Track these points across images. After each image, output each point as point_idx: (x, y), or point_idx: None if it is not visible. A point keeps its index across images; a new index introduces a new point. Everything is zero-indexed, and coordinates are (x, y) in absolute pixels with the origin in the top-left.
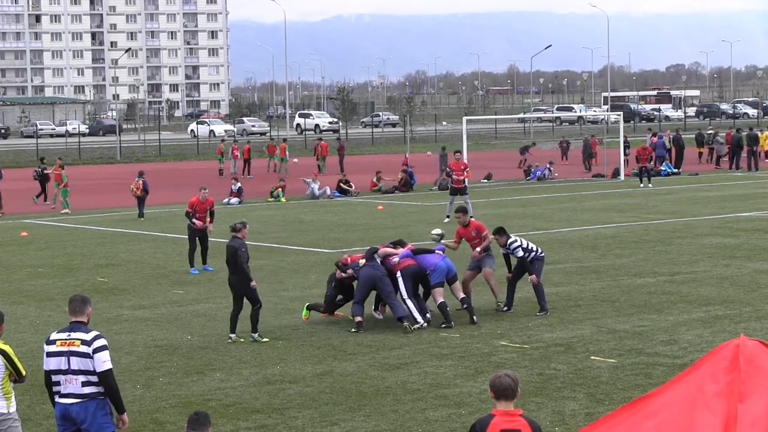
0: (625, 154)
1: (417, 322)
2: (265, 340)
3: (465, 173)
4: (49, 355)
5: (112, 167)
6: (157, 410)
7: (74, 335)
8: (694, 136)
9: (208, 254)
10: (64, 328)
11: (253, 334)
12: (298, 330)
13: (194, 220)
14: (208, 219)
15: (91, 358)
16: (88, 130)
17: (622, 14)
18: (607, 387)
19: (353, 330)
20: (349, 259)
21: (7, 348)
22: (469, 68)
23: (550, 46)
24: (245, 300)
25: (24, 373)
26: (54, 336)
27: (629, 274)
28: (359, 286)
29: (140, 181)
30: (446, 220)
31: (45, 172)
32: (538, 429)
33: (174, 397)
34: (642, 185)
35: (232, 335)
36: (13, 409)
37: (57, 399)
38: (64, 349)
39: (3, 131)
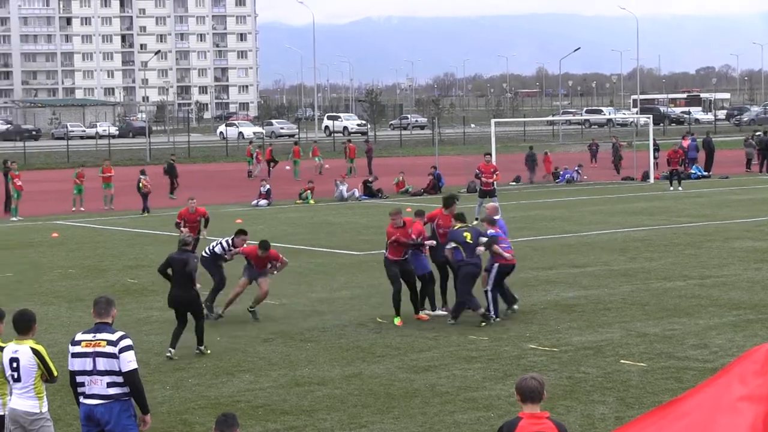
0: (654, 157)
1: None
2: (209, 351)
3: (494, 176)
4: (74, 355)
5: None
6: (186, 411)
7: (100, 336)
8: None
9: None
10: (89, 329)
11: (199, 347)
12: (327, 332)
13: (182, 229)
14: (203, 228)
15: (117, 358)
16: (117, 132)
17: (651, 16)
18: (637, 391)
19: (483, 324)
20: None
21: (40, 348)
22: (497, 70)
23: (579, 48)
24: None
25: (56, 373)
26: (79, 337)
27: (659, 277)
28: (469, 280)
29: (147, 178)
30: (475, 222)
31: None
32: (565, 431)
33: (203, 398)
34: (672, 188)
35: (172, 350)
36: (45, 409)
37: (81, 399)
38: (90, 350)
39: (34, 133)
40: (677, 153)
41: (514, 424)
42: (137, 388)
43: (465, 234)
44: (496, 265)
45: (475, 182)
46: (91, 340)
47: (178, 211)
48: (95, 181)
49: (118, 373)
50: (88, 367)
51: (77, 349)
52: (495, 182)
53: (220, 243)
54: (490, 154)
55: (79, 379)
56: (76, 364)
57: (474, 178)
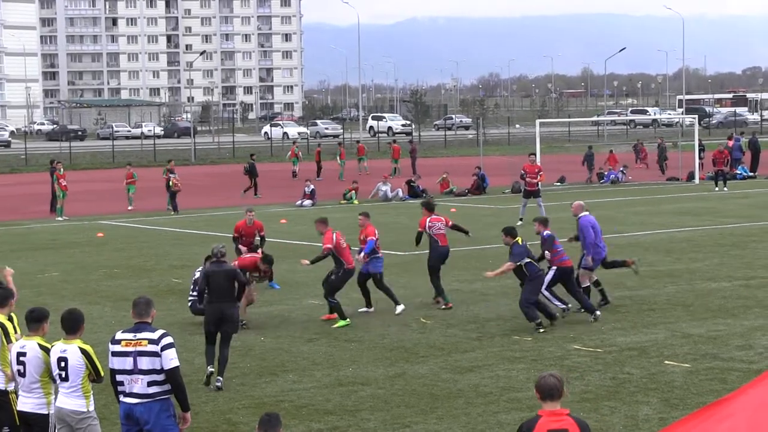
0: (700, 158)
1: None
2: (221, 388)
3: (539, 177)
4: (114, 354)
5: (186, 169)
6: (230, 411)
7: (140, 335)
8: None
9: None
10: (129, 328)
11: (220, 378)
12: (370, 332)
13: (240, 246)
14: (259, 248)
15: (159, 356)
16: (162, 132)
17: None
18: (681, 392)
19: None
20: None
21: (88, 347)
22: (542, 71)
23: (624, 48)
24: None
25: (102, 373)
26: (119, 336)
27: (704, 278)
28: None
29: (176, 177)
30: (519, 222)
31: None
32: (586, 428)
33: (247, 398)
34: (717, 189)
35: (210, 367)
36: (92, 408)
37: (121, 398)
38: (130, 349)
39: (80, 133)
40: (723, 153)
41: (533, 422)
42: (179, 386)
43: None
44: (554, 268)
45: (519, 182)
46: (132, 339)
47: (235, 225)
48: (148, 180)
49: (159, 371)
50: (129, 366)
51: (117, 348)
52: (540, 183)
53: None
54: (535, 155)
55: (119, 377)
56: (116, 363)
57: (519, 179)
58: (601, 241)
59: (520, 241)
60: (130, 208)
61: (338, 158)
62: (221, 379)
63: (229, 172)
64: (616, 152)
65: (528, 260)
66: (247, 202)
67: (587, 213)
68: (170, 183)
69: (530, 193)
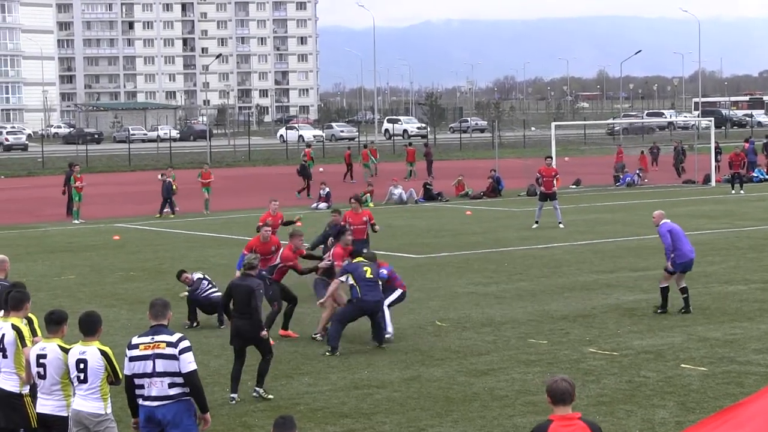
0: (716, 161)
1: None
2: (270, 396)
3: (555, 180)
4: (132, 359)
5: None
6: (245, 414)
7: (158, 338)
8: None
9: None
10: (146, 331)
11: (257, 389)
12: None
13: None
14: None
15: (177, 359)
16: (179, 135)
17: (714, 18)
18: (698, 395)
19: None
20: None
21: (107, 349)
22: (558, 73)
23: (640, 51)
24: (243, 350)
25: (121, 375)
26: (136, 340)
27: (720, 281)
28: None
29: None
30: (535, 226)
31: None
32: (598, 431)
33: (262, 400)
34: (734, 191)
35: (234, 395)
36: (109, 410)
37: (141, 402)
38: (149, 352)
39: (96, 136)
40: (739, 156)
41: (545, 427)
42: (198, 388)
43: None
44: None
45: (534, 186)
46: (150, 343)
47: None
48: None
49: (178, 374)
50: (148, 369)
51: (135, 352)
52: (556, 186)
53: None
54: (551, 158)
55: (138, 381)
56: (135, 368)
57: (534, 182)
58: (684, 245)
59: None
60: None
61: (363, 160)
62: (261, 391)
63: (244, 175)
64: (632, 155)
65: None
66: (304, 203)
67: (667, 221)
68: (174, 187)
69: (546, 196)
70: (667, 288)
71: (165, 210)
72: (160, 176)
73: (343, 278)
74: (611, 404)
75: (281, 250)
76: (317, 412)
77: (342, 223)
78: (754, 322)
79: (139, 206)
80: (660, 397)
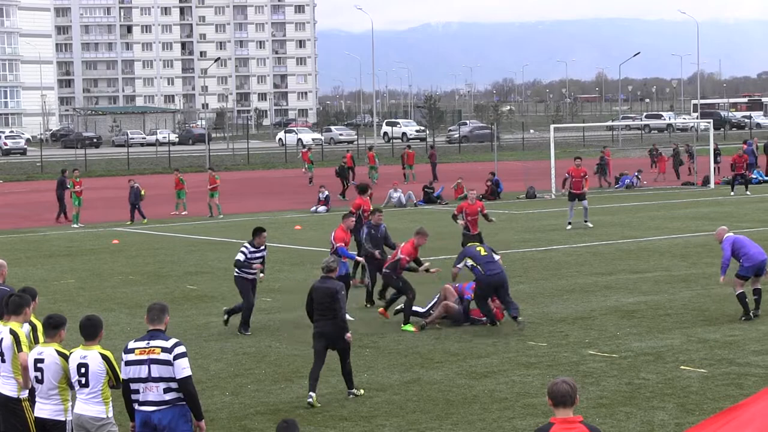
0: (716, 162)
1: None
2: (362, 391)
3: (585, 180)
4: (128, 363)
5: (201, 175)
6: (245, 417)
7: (154, 343)
8: None
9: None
10: (142, 336)
11: (351, 391)
12: (385, 338)
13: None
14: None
15: (172, 365)
16: (177, 139)
17: (712, 20)
18: (698, 397)
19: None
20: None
21: (108, 353)
22: (556, 76)
23: (638, 53)
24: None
25: (122, 379)
26: (132, 345)
27: (720, 283)
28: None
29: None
30: (569, 227)
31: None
32: None
33: (262, 404)
34: (734, 193)
35: (313, 394)
36: (110, 414)
37: (137, 407)
38: (144, 357)
39: (95, 140)
40: (742, 158)
41: (546, 430)
42: (192, 395)
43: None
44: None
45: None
46: (146, 348)
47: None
48: (164, 188)
49: (173, 379)
50: (143, 374)
51: (131, 357)
52: (585, 186)
53: (241, 251)
54: (580, 158)
55: (133, 386)
56: (130, 372)
57: (561, 183)
58: (751, 249)
59: None
60: (175, 212)
61: (370, 162)
62: (354, 391)
63: (243, 179)
64: (631, 157)
65: None
66: (304, 207)
67: (730, 235)
68: (142, 193)
69: (575, 196)
70: (743, 294)
71: (135, 216)
72: (129, 182)
73: (460, 265)
74: (611, 406)
75: (401, 246)
76: (317, 415)
77: (372, 218)
78: (754, 324)
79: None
80: (659, 399)
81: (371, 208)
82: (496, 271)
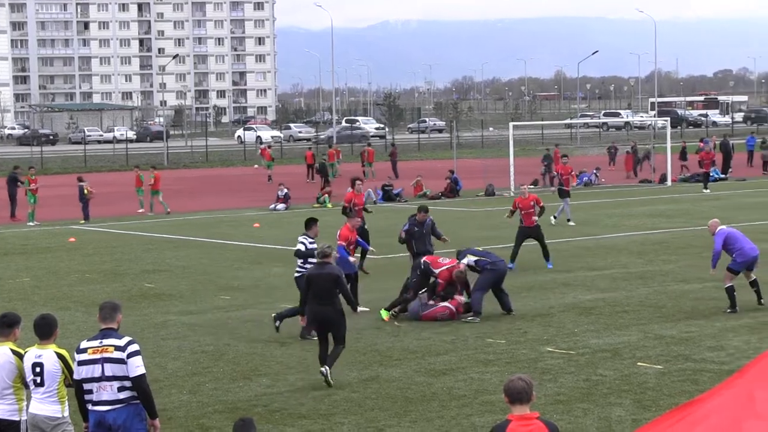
0: (683, 160)
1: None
2: (332, 381)
3: (572, 177)
4: (81, 363)
5: (159, 173)
6: (203, 416)
7: (106, 342)
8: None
9: None
10: (95, 335)
11: (326, 368)
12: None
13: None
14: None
15: (125, 363)
16: (135, 137)
17: (670, 20)
18: (654, 393)
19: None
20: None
21: (63, 352)
22: (516, 74)
23: (596, 51)
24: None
25: (75, 380)
26: (85, 344)
27: (676, 280)
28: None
29: (88, 184)
30: (571, 224)
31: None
32: (556, 431)
33: (220, 402)
34: (707, 190)
35: (323, 368)
36: (66, 414)
37: (90, 407)
38: (97, 356)
39: (51, 137)
40: (709, 155)
41: (503, 427)
42: (146, 393)
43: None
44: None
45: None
46: (98, 347)
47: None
48: (121, 185)
49: (127, 378)
50: (97, 373)
51: (84, 356)
52: (573, 182)
53: (300, 241)
54: (567, 156)
55: (86, 386)
56: (83, 372)
57: (550, 183)
58: (745, 244)
59: None
60: (141, 210)
61: (368, 159)
62: (323, 369)
63: (201, 177)
64: (590, 155)
65: None
66: (262, 204)
67: (723, 227)
68: (85, 191)
69: (566, 193)
70: (732, 287)
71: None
72: (77, 180)
73: (465, 261)
74: (568, 403)
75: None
76: (275, 413)
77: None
78: (709, 320)
79: (95, 208)
80: (616, 396)
81: (419, 206)
82: (501, 260)
